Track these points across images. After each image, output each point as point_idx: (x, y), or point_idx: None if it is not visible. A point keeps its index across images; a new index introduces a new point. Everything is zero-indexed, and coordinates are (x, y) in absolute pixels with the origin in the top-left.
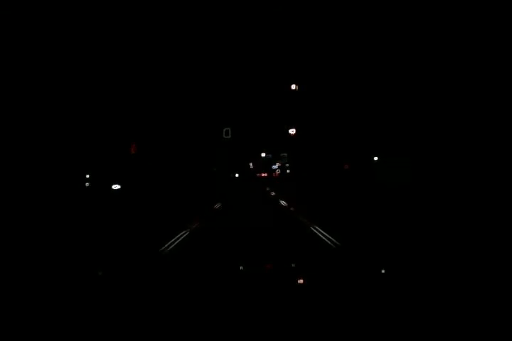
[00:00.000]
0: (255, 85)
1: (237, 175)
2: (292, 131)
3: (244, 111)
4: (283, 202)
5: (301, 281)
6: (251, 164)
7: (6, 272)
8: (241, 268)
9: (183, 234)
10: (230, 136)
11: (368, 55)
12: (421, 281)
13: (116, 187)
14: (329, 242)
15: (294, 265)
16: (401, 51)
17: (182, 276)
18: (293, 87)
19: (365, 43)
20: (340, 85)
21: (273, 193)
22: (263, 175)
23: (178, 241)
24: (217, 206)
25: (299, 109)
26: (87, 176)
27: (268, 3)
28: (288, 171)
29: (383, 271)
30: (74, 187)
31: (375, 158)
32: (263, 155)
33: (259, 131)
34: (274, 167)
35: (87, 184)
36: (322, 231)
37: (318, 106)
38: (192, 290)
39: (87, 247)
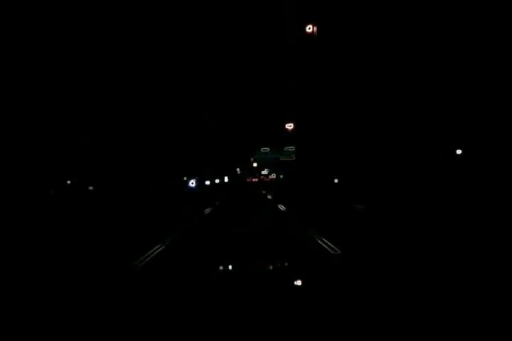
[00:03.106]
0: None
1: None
2: (290, 126)
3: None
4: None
5: None
6: (238, 169)
7: None
8: None
9: None
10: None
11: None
12: None
13: None
14: None
15: None
16: None
17: None
18: (308, 28)
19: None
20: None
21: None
22: (254, 180)
23: None
24: None
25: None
26: None
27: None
28: (281, 176)
29: None
30: None
31: None
32: (252, 159)
33: (250, 131)
34: (264, 172)
35: None
36: None
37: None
38: None
39: None
